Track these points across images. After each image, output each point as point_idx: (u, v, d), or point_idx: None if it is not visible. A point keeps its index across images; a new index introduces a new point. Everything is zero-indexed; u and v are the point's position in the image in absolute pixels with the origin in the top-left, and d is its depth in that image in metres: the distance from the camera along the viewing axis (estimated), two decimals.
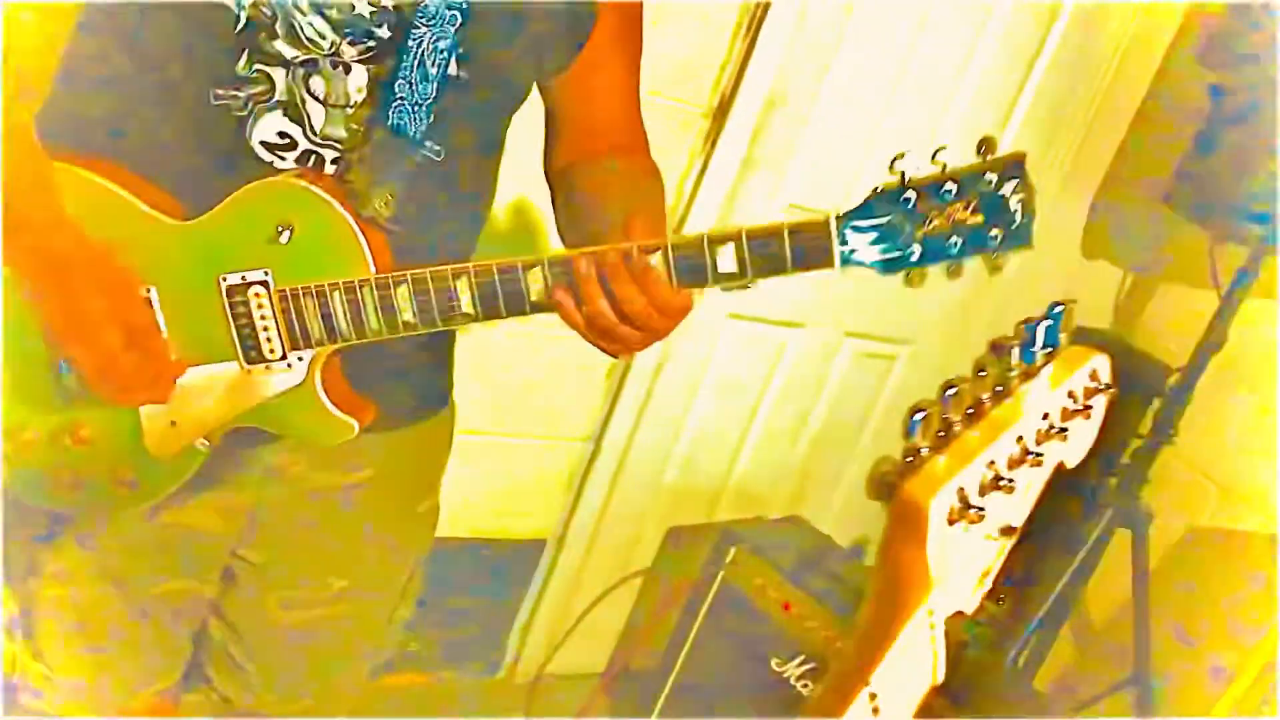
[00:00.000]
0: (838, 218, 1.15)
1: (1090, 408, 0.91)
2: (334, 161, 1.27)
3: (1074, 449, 0.92)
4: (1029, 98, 2.94)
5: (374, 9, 1.24)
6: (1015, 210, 1.14)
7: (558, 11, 1.34)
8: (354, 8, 1.24)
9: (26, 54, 1.26)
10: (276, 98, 1.24)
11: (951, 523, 0.81)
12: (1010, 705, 2.46)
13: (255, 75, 1.23)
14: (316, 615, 1.52)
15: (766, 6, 2.44)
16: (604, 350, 1.26)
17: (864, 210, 1.15)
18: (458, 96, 1.29)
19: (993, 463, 0.83)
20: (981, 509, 0.82)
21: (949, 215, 1.15)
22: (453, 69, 1.28)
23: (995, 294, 3.03)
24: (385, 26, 1.25)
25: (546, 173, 1.50)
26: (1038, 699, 2.68)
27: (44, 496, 1.35)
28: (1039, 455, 0.86)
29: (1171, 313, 3.18)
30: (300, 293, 1.24)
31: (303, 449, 1.40)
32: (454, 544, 2.61)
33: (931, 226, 1.15)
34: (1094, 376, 0.92)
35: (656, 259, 1.18)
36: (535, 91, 1.44)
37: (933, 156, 1.13)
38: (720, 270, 1.18)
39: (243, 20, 1.21)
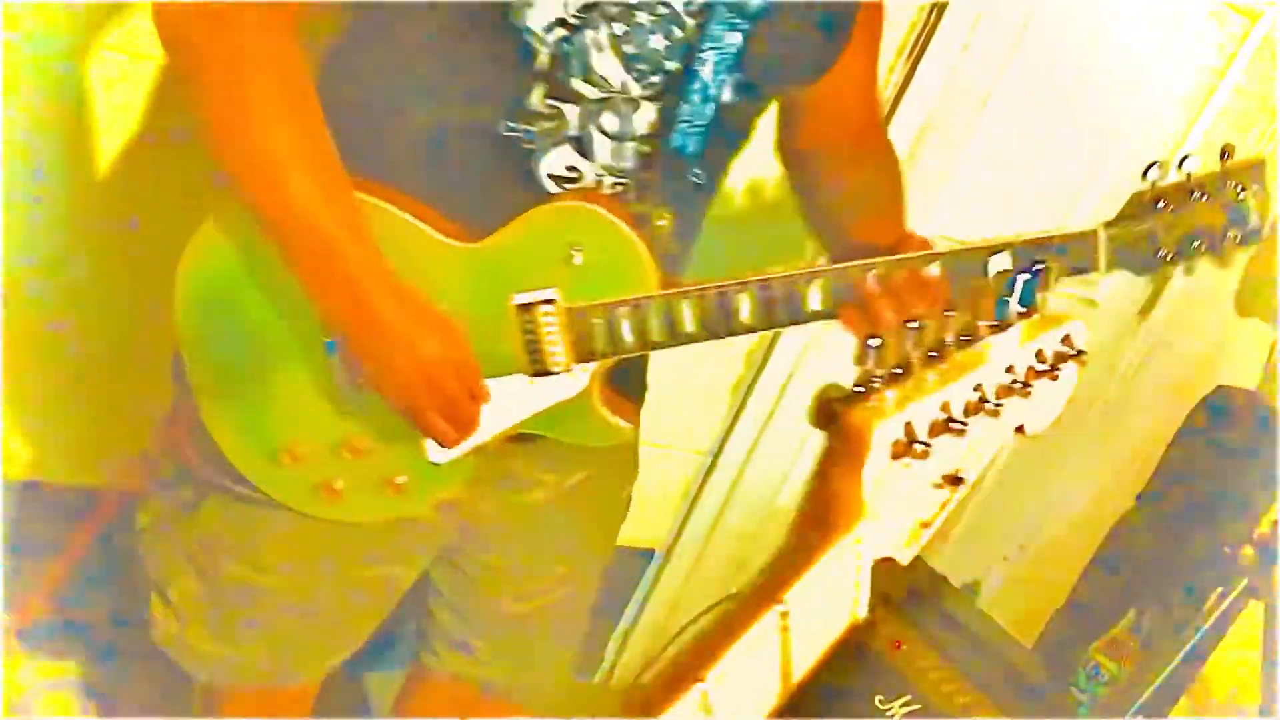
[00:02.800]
0: (1105, 225, 1.27)
1: (1059, 371, 0.89)
2: (614, 184, 1.28)
3: (1037, 413, 0.90)
4: (1195, 141, 2.85)
5: (669, 44, 1.24)
6: (1253, 214, 1.26)
7: (821, 21, 1.33)
8: (650, 43, 1.23)
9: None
10: (568, 132, 1.24)
11: (896, 456, 0.79)
12: None
13: (549, 109, 1.23)
14: (540, 604, 1.55)
15: (934, 27, 2.38)
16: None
17: (1126, 219, 1.27)
18: (725, 115, 1.30)
19: (947, 404, 0.82)
20: (927, 445, 0.80)
21: (1195, 218, 1.26)
22: (728, 93, 1.28)
23: (1140, 342, 2.93)
24: (675, 59, 1.24)
25: (782, 151, 1.50)
26: None
27: (312, 504, 1.33)
28: (997, 406, 0.85)
29: None
30: (588, 310, 1.25)
31: (529, 448, 1.38)
32: None
33: (1180, 230, 1.27)
34: (1067, 341, 0.91)
35: (935, 267, 1.23)
36: None
37: (1179, 165, 1.26)
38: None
39: (543, 56, 1.20)
